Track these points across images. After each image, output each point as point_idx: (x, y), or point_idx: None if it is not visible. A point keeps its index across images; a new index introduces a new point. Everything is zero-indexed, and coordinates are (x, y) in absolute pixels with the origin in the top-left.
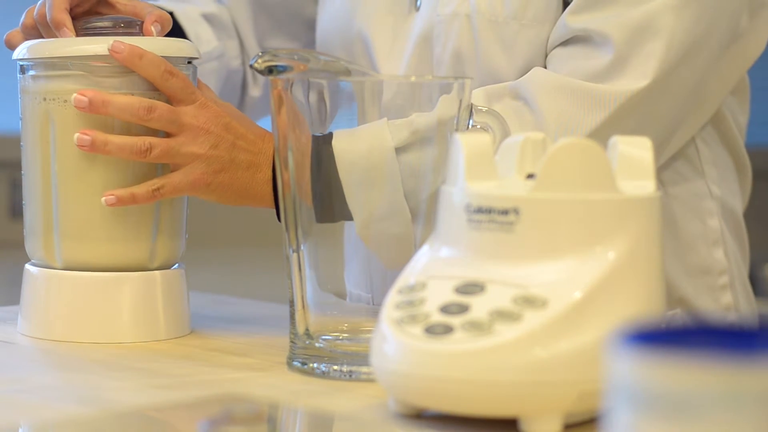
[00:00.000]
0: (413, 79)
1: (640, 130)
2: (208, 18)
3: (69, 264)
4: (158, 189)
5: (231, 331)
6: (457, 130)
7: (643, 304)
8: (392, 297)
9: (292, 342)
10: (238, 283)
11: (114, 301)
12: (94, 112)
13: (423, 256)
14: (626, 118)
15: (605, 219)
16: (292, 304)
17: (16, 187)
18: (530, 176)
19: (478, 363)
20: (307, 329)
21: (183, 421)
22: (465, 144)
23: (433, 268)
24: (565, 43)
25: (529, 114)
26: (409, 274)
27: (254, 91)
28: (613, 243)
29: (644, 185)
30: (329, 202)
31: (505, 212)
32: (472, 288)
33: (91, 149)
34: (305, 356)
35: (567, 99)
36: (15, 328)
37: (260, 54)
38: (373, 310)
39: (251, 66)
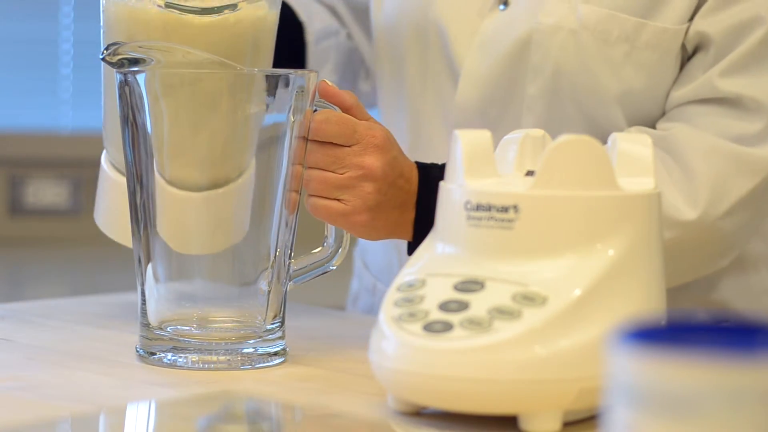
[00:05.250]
0: (244, 70)
1: None
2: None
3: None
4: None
5: None
6: (295, 122)
7: (643, 302)
8: (391, 294)
9: (141, 334)
10: None
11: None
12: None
13: (422, 253)
14: None
15: (605, 216)
16: (143, 294)
17: (14, 185)
18: (530, 173)
19: (478, 360)
20: (156, 319)
21: (181, 419)
22: (464, 141)
23: (433, 265)
24: (709, 101)
25: (678, 172)
26: (408, 272)
27: (364, 86)
28: (613, 240)
29: (644, 182)
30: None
31: (504, 209)
32: (471, 285)
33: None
34: (152, 346)
35: (721, 162)
36: (13, 325)
37: (108, 47)
38: (225, 299)
39: (101, 59)
